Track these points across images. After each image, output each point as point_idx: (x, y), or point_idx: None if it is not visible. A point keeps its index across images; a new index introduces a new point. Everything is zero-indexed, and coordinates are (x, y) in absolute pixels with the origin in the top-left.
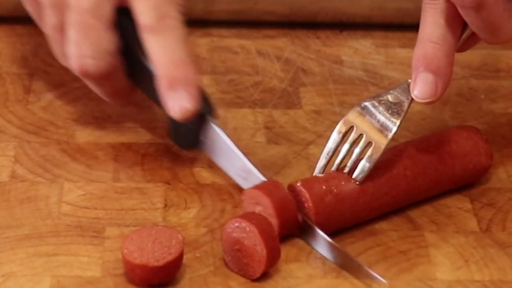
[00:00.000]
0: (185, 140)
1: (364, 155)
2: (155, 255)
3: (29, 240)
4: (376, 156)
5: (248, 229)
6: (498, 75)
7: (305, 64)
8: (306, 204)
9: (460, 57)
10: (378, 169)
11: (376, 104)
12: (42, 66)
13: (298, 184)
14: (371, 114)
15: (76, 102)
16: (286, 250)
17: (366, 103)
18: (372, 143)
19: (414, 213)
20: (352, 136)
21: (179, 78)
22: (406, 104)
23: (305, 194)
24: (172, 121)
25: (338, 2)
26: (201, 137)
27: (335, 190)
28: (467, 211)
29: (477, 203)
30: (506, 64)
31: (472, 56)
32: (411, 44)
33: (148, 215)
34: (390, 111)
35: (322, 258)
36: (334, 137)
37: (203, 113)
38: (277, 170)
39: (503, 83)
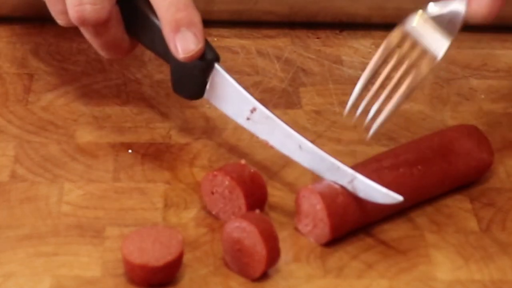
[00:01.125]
0: (189, 89)
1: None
2: (155, 255)
3: (29, 240)
4: (415, 84)
5: (248, 229)
6: (498, 75)
7: (305, 64)
8: (318, 206)
9: (460, 57)
10: (384, 168)
11: (424, 20)
12: (42, 66)
13: (309, 187)
14: (419, 33)
15: (76, 102)
16: (286, 250)
17: (415, 20)
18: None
19: (414, 213)
20: (393, 62)
21: (183, 20)
22: (460, 20)
23: (316, 196)
24: (176, 71)
25: (338, 2)
26: (205, 84)
27: (345, 190)
28: (467, 211)
29: (477, 203)
30: (506, 64)
31: (472, 56)
32: None
33: (148, 215)
34: (440, 29)
35: (322, 258)
36: (374, 62)
37: (208, 58)
38: (277, 170)
39: (503, 83)
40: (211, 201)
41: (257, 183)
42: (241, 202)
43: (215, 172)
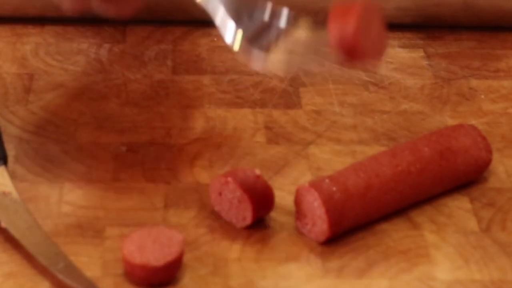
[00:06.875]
0: None
1: None
2: (155, 255)
3: None
4: None
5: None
6: (498, 75)
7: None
8: (315, 203)
9: (460, 57)
10: (382, 165)
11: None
12: (42, 66)
13: (306, 185)
14: None
15: (76, 102)
16: (286, 250)
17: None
18: None
19: (414, 213)
20: None
21: None
22: None
23: (313, 193)
24: None
25: None
26: None
27: (342, 187)
28: (467, 211)
29: (477, 203)
30: (506, 64)
31: (472, 56)
32: (411, 44)
33: (148, 215)
34: None
35: (322, 258)
36: None
37: None
38: (277, 170)
39: (503, 83)
40: (217, 200)
41: (267, 197)
42: (248, 214)
43: (229, 178)
